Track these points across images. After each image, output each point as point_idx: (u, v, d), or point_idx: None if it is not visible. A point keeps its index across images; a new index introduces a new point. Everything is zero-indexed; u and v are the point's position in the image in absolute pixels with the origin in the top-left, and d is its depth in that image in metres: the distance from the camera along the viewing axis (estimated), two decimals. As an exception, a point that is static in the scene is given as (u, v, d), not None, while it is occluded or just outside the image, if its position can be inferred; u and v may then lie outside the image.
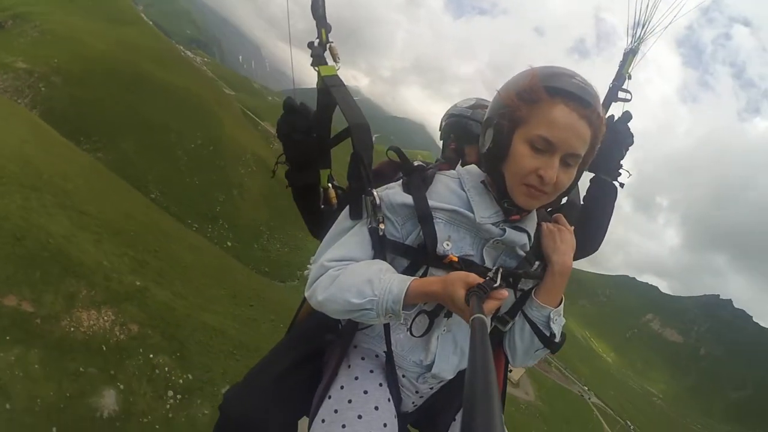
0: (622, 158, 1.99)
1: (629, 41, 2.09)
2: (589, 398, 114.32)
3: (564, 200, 1.84)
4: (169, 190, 33.95)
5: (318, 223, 1.97)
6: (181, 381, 7.45)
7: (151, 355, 7.32)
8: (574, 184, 1.43)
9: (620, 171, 2.00)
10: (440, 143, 2.57)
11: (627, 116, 1.99)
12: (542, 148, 1.28)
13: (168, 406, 6.94)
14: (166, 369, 7.37)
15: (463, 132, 2.33)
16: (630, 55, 2.08)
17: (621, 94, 2.06)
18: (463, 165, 2.04)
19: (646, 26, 2.03)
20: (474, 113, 2.33)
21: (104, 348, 6.76)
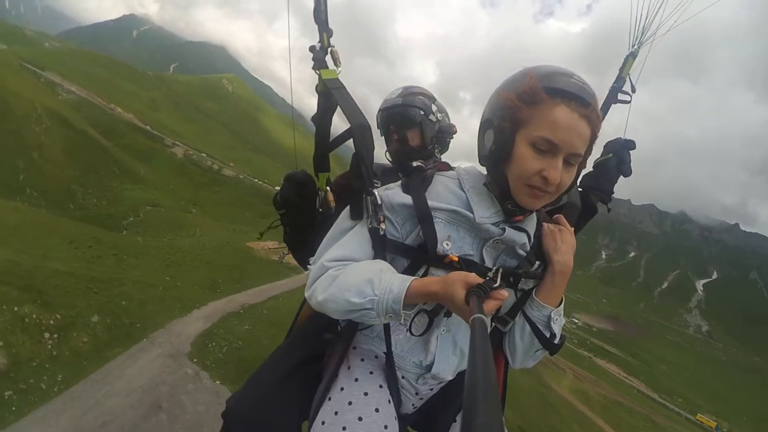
0: (615, 184, 2.00)
1: (629, 44, 2.09)
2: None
3: (564, 200, 1.83)
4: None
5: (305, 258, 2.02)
6: (52, 322, 7.83)
7: (16, 308, 7.56)
8: (574, 183, 1.43)
9: (612, 196, 2.01)
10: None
11: (631, 144, 1.96)
12: (545, 150, 1.28)
13: (49, 347, 7.37)
14: (34, 316, 7.69)
15: (401, 119, 2.35)
16: (630, 58, 2.10)
17: (621, 96, 2.09)
18: (407, 150, 2.33)
19: (646, 31, 2.04)
20: (405, 99, 2.35)
21: (-32, 314, 6.96)
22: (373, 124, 2.04)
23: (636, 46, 2.08)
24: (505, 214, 1.44)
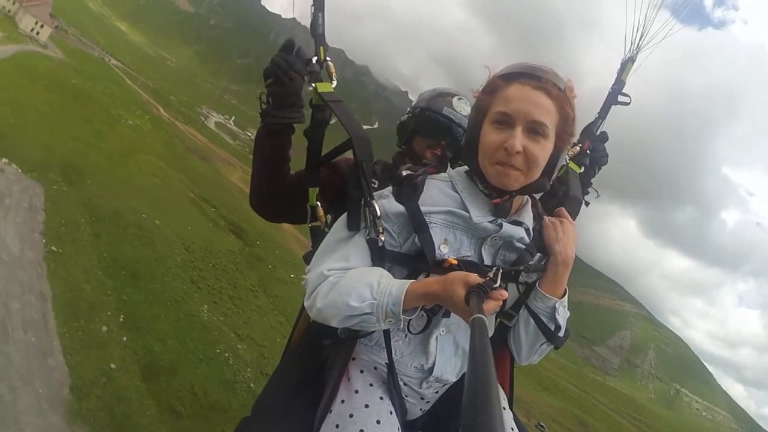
0: (593, 177, 1.96)
1: (627, 49, 2.02)
2: (109, 60, 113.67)
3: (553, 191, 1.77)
4: None
5: (274, 184, 1.80)
6: None
7: None
8: (554, 160, 1.35)
9: (588, 189, 1.95)
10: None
11: (604, 137, 1.95)
12: (502, 124, 1.27)
13: None
14: None
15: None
16: (628, 62, 2.03)
17: (620, 98, 2.03)
18: (425, 160, 1.98)
19: (644, 36, 1.97)
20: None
21: None
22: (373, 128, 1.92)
23: (634, 51, 2.01)
24: (485, 197, 1.38)
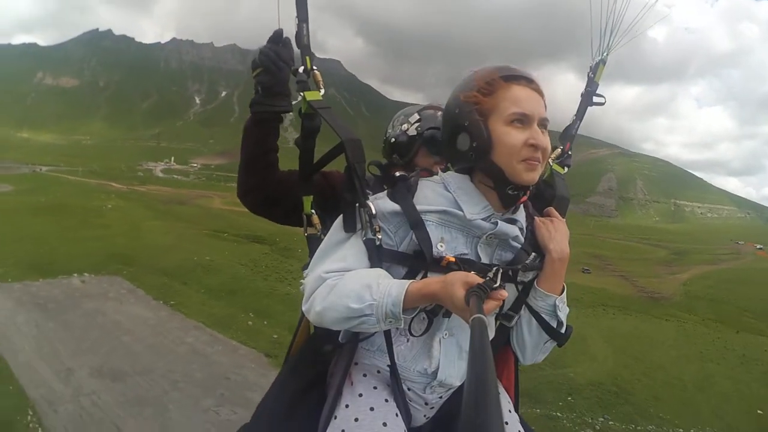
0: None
1: (598, 51, 1.99)
2: (40, 170, 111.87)
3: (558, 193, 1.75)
4: None
5: (261, 174, 1.73)
6: None
7: None
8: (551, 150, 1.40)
9: None
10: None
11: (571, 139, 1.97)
12: (521, 123, 1.26)
13: None
14: None
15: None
16: (600, 64, 1.99)
17: (595, 99, 2.01)
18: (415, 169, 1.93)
19: (613, 37, 1.95)
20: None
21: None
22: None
23: (605, 53, 1.97)
24: (507, 201, 1.34)
